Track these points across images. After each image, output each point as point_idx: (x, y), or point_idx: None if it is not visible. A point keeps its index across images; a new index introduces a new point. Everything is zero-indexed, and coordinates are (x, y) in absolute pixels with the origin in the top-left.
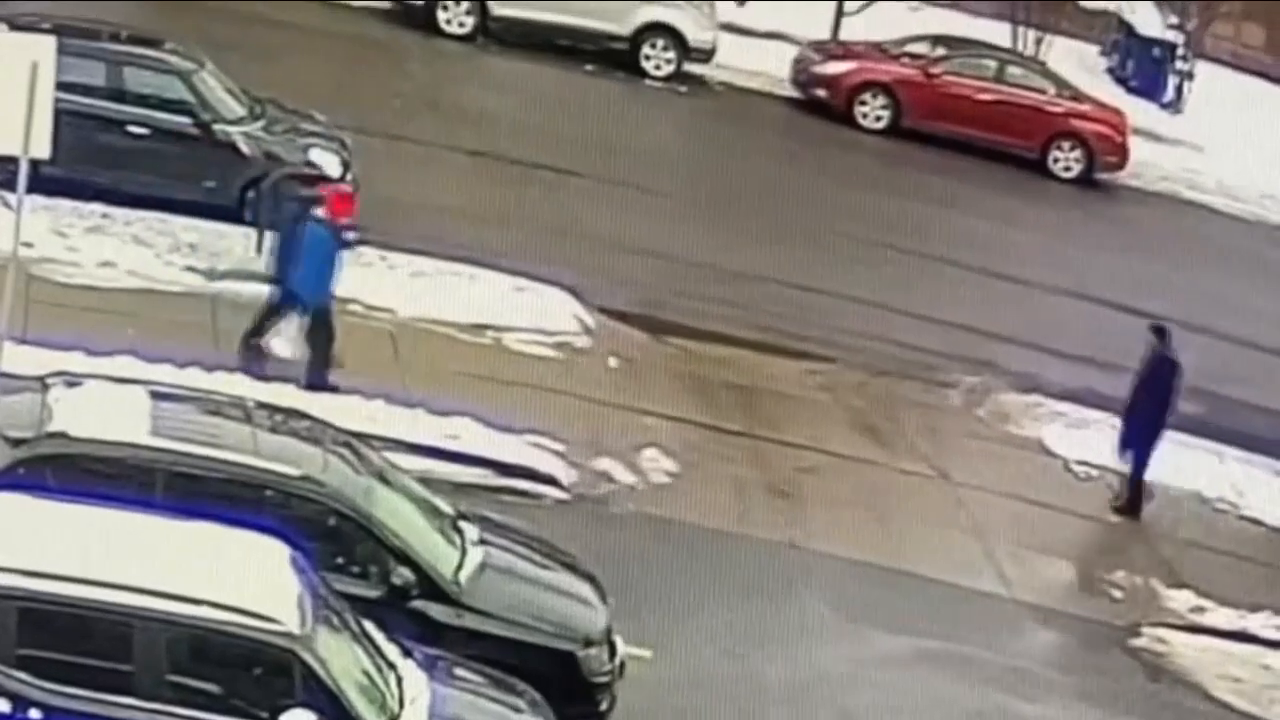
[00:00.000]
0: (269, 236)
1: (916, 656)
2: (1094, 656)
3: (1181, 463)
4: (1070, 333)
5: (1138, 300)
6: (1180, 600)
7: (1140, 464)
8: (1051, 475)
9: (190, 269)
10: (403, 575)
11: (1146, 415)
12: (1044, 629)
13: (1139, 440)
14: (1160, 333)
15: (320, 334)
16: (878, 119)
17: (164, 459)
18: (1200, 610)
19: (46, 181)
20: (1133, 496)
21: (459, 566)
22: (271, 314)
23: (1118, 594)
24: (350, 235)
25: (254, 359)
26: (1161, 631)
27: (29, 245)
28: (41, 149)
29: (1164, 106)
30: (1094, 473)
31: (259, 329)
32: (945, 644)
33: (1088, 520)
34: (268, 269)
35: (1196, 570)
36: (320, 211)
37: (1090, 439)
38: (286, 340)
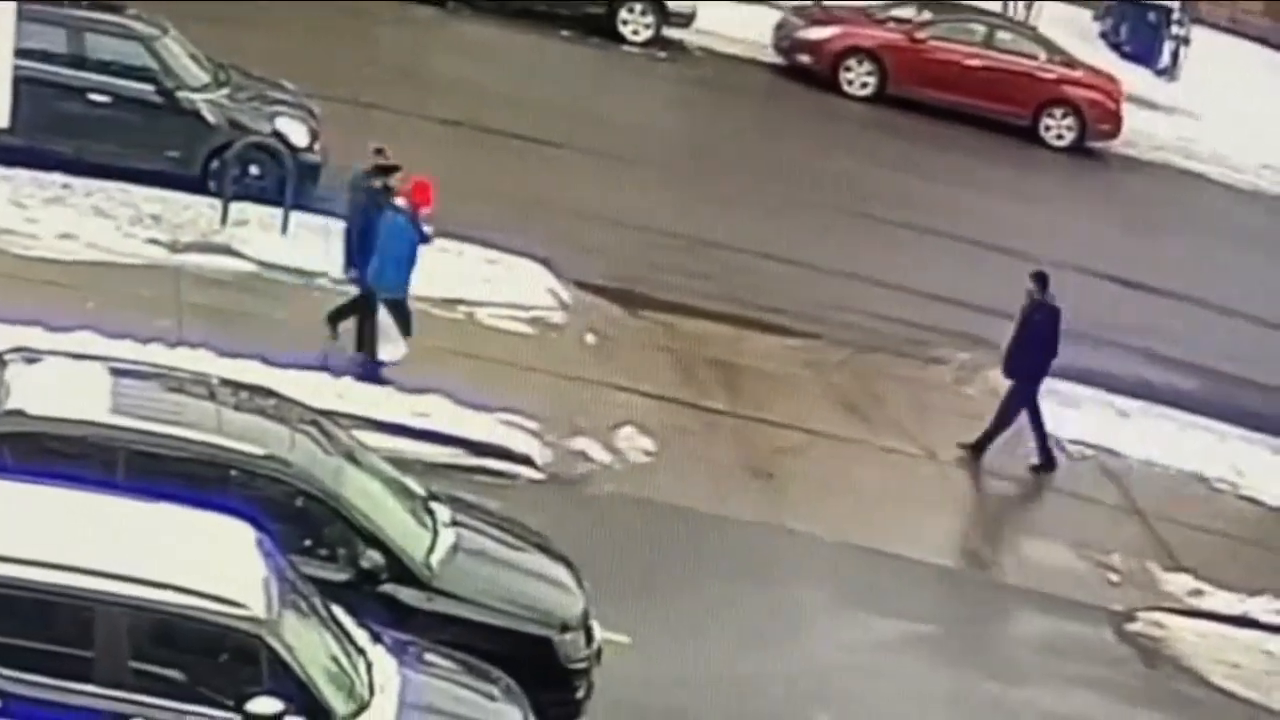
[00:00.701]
0: (260, 210)
1: (904, 641)
2: (1088, 642)
3: (1179, 441)
4: (1062, 305)
5: (1132, 273)
6: (1178, 583)
7: (1035, 416)
8: None
9: (153, 241)
10: (372, 558)
11: (1031, 365)
12: (1037, 613)
13: (1025, 393)
14: (1041, 280)
15: (402, 322)
16: (863, 86)
17: (125, 438)
18: (1199, 594)
19: (5, 151)
20: (1043, 451)
21: (430, 549)
22: (357, 306)
23: (1113, 577)
24: (428, 227)
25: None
26: (1159, 616)
27: None
28: (0, 118)
29: (1159, 73)
30: (1088, 452)
31: (340, 314)
32: (934, 629)
33: (1081, 500)
34: (345, 263)
35: (1195, 552)
36: (400, 201)
37: (1083, 417)
38: (391, 342)
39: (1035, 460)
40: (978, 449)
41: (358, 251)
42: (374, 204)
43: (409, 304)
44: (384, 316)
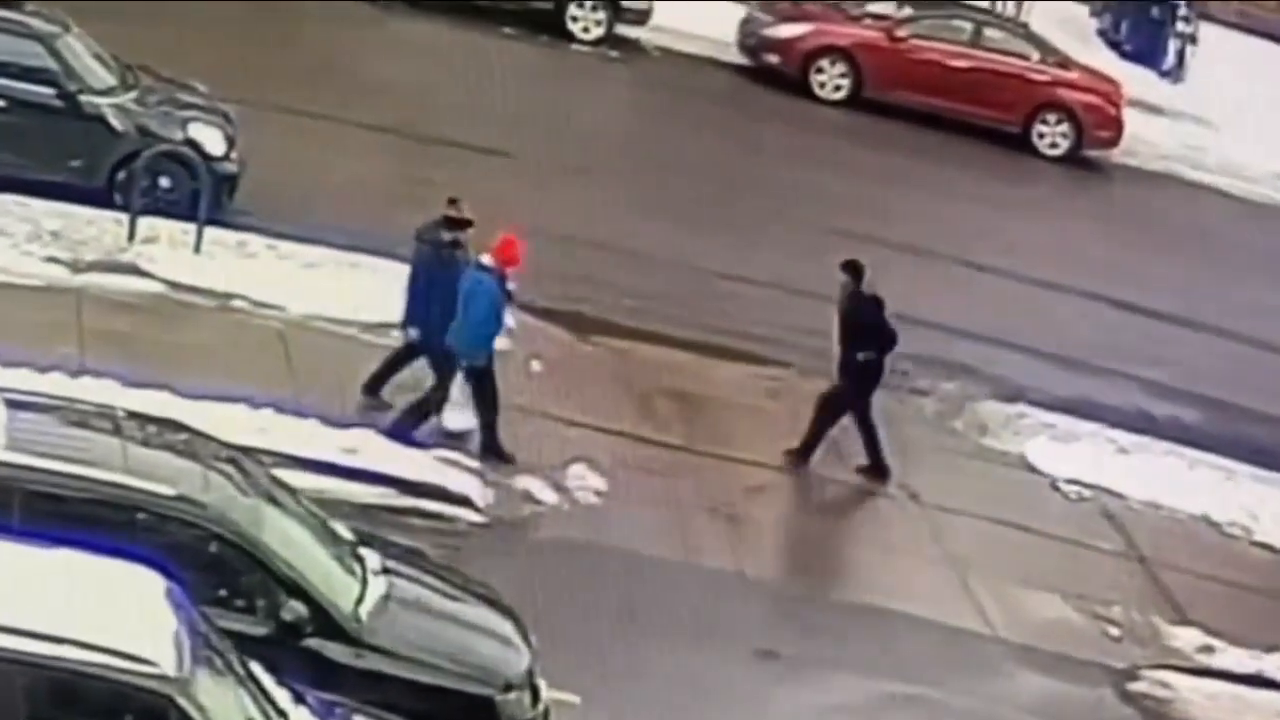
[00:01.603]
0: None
1: (884, 703)
2: (1088, 703)
3: (1185, 481)
4: (1058, 332)
5: (1134, 294)
6: (1186, 639)
7: (863, 418)
8: (1036, 496)
9: (53, 260)
10: (295, 610)
11: (855, 362)
12: (1030, 671)
13: (851, 393)
14: (853, 270)
15: (486, 395)
16: (836, 88)
17: (21, 476)
18: (1208, 650)
19: None
20: (872, 455)
21: (359, 599)
22: (398, 362)
23: (1114, 631)
24: (512, 285)
25: (375, 408)
26: (1165, 674)
27: None
28: None
29: (1163, 74)
30: (1086, 493)
31: (382, 376)
32: (917, 688)
33: (1079, 547)
34: (404, 314)
35: (1204, 604)
36: (486, 258)
37: (1081, 454)
38: (458, 410)
39: (864, 462)
40: (801, 455)
41: (419, 308)
42: (441, 259)
43: (494, 371)
44: (458, 382)
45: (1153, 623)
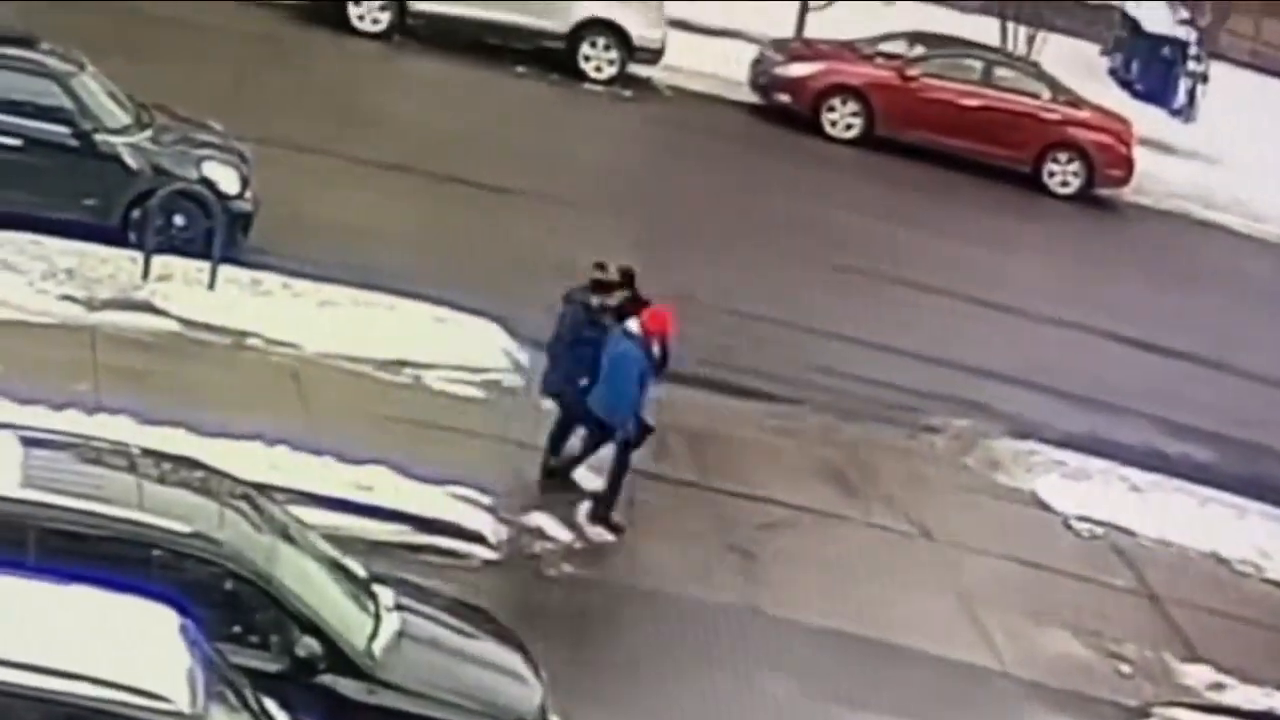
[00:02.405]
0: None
1: None
2: None
3: (1197, 518)
4: (1070, 370)
5: (1145, 332)
6: (1197, 676)
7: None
8: (1048, 533)
9: (68, 298)
10: (308, 646)
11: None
12: (1041, 708)
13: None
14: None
15: (622, 465)
16: (848, 127)
17: (37, 513)
18: (1219, 687)
19: None
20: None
21: (373, 636)
22: (562, 434)
23: (1125, 669)
24: (659, 353)
25: (555, 490)
26: (1176, 712)
27: None
28: None
29: (1174, 113)
30: (1097, 530)
31: (555, 450)
32: None
33: (1090, 584)
34: (545, 382)
35: (1215, 642)
36: (633, 325)
37: (1092, 491)
38: (592, 470)
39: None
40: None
41: (559, 373)
42: (586, 322)
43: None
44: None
45: (1164, 660)
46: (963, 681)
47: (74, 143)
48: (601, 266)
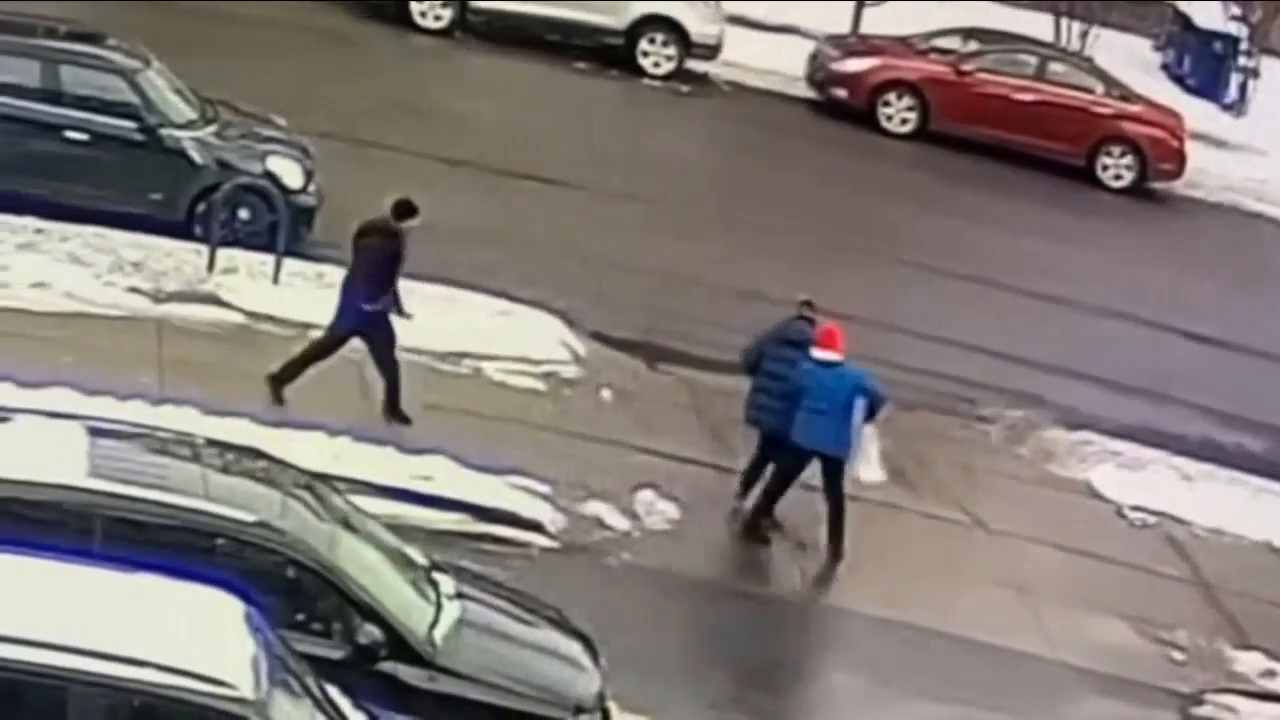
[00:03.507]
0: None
1: None
2: None
3: (1249, 508)
4: (1123, 361)
5: (1198, 324)
6: (1249, 663)
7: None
8: (1102, 522)
9: (134, 290)
10: (370, 633)
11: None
12: (1096, 695)
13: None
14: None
15: (837, 493)
16: (903, 122)
17: (103, 503)
18: (1272, 675)
19: None
20: (391, 396)
21: (433, 624)
22: (761, 466)
23: (1178, 656)
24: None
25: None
26: (1229, 699)
27: None
28: None
29: (1225, 107)
30: (1151, 520)
31: (749, 485)
32: (984, 713)
33: (1143, 572)
34: (746, 410)
35: (1268, 629)
36: (826, 353)
37: (1146, 481)
38: (869, 460)
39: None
40: (282, 381)
41: (761, 401)
42: (791, 349)
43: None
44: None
45: (1216, 647)
46: (1017, 669)
47: (140, 137)
48: (808, 304)
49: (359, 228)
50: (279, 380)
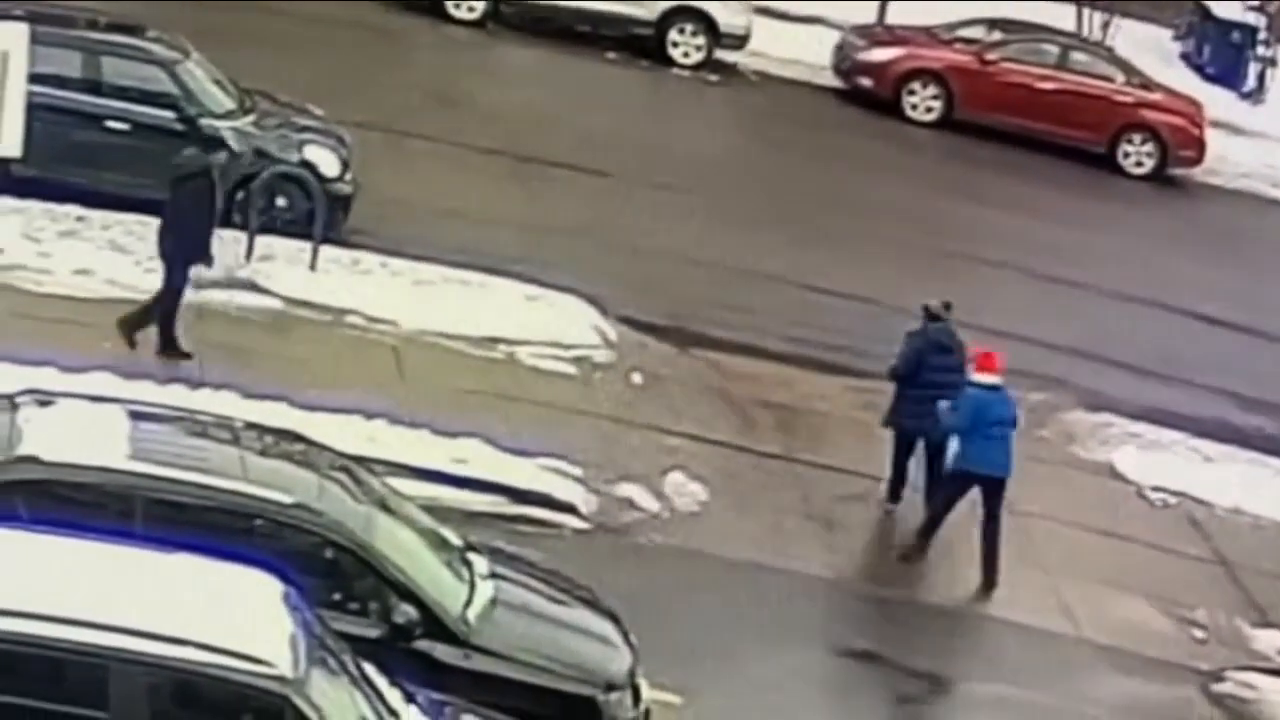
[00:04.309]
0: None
1: (978, 703)
2: (1173, 704)
3: (1269, 489)
4: (1144, 345)
5: (1217, 309)
6: (1268, 641)
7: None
8: (1123, 502)
9: None
10: (406, 613)
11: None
12: (1117, 673)
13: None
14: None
15: (993, 514)
16: (928, 110)
17: (144, 485)
18: None
19: (17, 182)
20: (166, 332)
21: (468, 603)
22: (901, 472)
23: (1199, 634)
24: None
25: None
26: (1249, 676)
27: None
28: (12, 147)
29: (1244, 96)
30: (1171, 500)
31: (898, 492)
32: (1009, 689)
33: (1164, 552)
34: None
35: None
36: (987, 377)
37: (1166, 462)
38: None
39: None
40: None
41: (915, 408)
42: (944, 354)
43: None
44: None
45: (1236, 625)
46: (1041, 647)
47: (180, 127)
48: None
49: (173, 177)
50: (129, 326)
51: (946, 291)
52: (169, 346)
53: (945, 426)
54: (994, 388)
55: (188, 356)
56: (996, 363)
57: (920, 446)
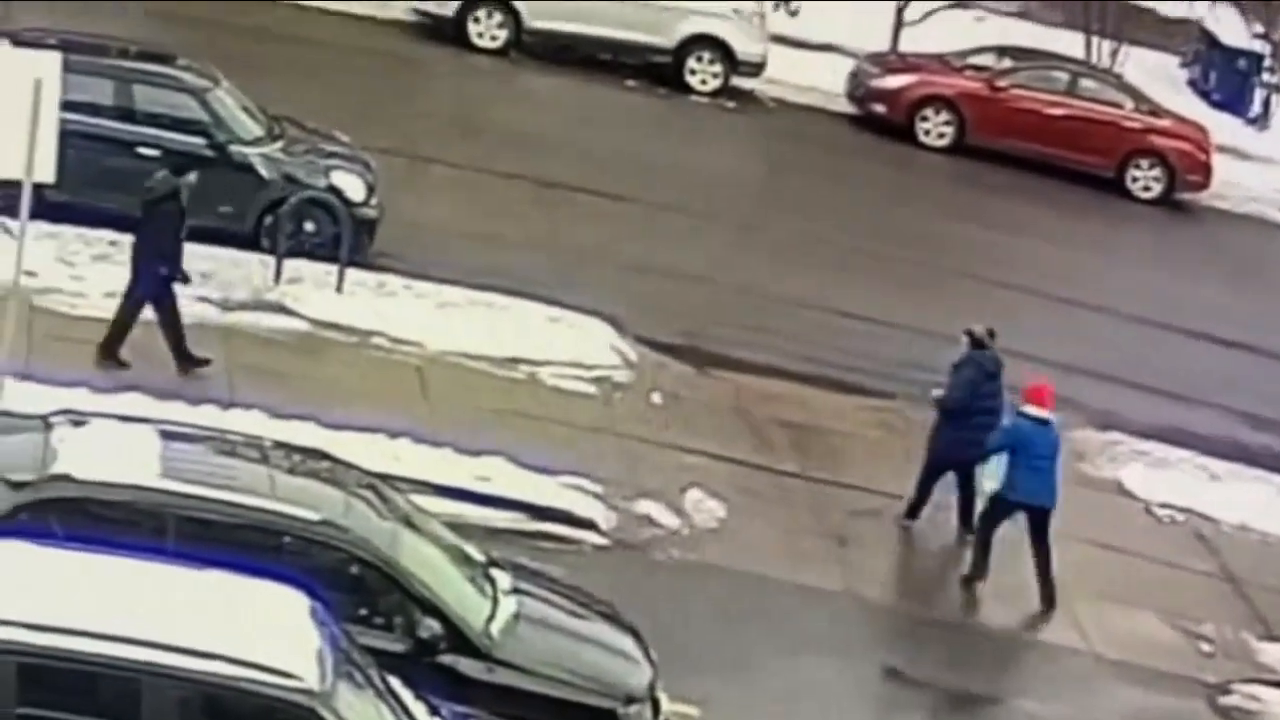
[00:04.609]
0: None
1: (989, 716)
2: (1180, 716)
3: (1274, 506)
4: (1151, 365)
5: (1224, 330)
6: (1275, 654)
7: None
8: (1131, 519)
9: (203, 299)
10: (430, 627)
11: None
12: (1125, 685)
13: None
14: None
15: (1042, 546)
16: (940, 136)
17: (175, 503)
18: None
19: (51, 207)
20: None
21: (490, 618)
22: (927, 489)
23: (1206, 648)
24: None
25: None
26: (1255, 689)
27: (32, 274)
28: (46, 173)
29: (1250, 122)
30: (1179, 517)
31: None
32: (1020, 702)
33: (1172, 567)
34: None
35: None
36: (1036, 410)
37: (1174, 480)
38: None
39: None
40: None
41: (959, 435)
42: (993, 381)
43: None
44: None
45: (1243, 639)
46: (1051, 660)
47: (210, 153)
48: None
49: (145, 199)
50: (107, 349)
51: (957, 312)
52: (108, 354)
53: (989, 447)
54: (1043, 421)
55: (125, 365)
56: (1048, 398)
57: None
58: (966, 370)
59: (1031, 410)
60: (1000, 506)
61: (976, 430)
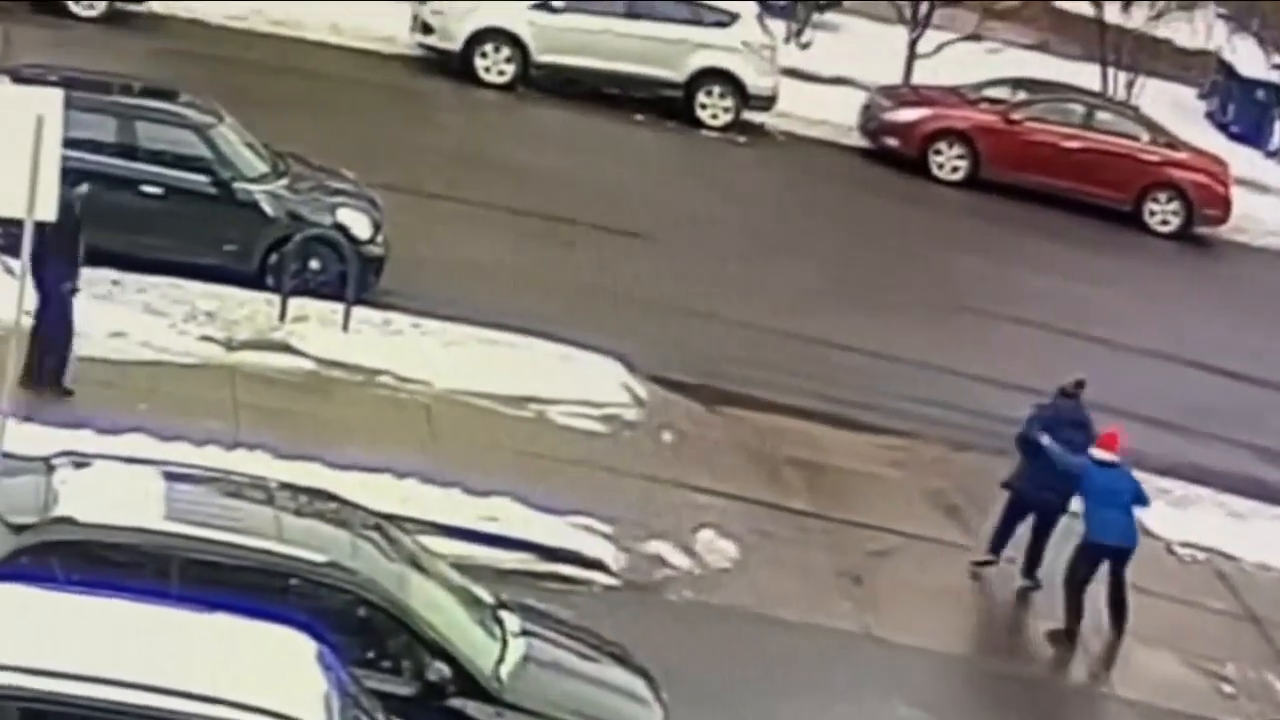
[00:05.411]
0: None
1: None
2: None
3: None
4: (1170, 401)
5: (1245, 366)
6: None
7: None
8: (1152, 558)
9: (208, 339)
10: (439, 670)
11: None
12: None
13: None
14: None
15: (1119, 594)
16: (954, 170)
17: (179, 545)
18: None
19: None
20: None
21: (500, 660)
22: (1008, 531)
23: (1227, 688)
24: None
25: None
26: None
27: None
28: (47, 211)
29: (1269, 154)
30: (1199, 555)
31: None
32: None
33: (1192, 607)
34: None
35: None
36: (1106, 454)
37: (1194, 518)
38: None
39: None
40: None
41: (1041, 477)
42: (1075, 430)
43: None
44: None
45: (1265, 680)
46: (1071, 702)
47: (214, 191)
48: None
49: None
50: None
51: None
52: (48, 380)
53: (1062, 465)
54: (1110, 464)
55: (68, 393)
56: (1115, 443)
57: (1031, 518)
58: (1049, 419)
59: (1097, 453)
60: (1088, 551)
61: (1050, 473)
